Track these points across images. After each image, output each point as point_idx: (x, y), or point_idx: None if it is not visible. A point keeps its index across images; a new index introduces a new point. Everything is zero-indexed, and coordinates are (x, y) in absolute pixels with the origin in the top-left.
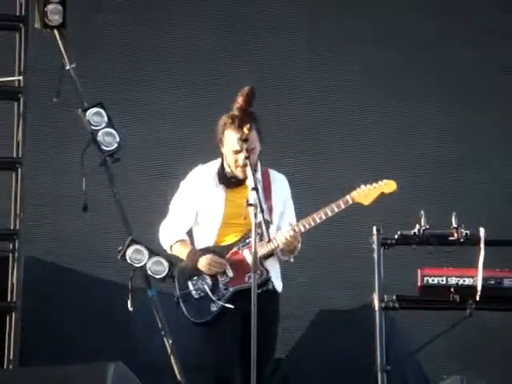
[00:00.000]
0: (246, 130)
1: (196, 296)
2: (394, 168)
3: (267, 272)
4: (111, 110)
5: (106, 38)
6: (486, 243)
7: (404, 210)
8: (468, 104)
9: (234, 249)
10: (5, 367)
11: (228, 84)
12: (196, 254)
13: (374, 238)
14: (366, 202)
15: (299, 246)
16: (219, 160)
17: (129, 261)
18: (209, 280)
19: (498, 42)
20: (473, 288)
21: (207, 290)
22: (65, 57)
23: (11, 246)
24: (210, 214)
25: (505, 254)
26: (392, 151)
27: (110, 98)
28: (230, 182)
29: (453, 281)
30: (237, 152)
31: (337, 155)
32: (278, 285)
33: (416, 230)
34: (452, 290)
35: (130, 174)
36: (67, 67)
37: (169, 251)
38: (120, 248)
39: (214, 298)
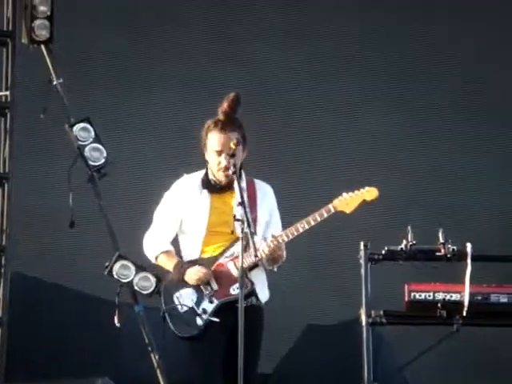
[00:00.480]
0: (233, 145)
1: (181, 310)
2: (383, 179)
3: (252, 284)
4: (98, 125)
5: (91, 52)
6: (473, 258)
7: (392, 224)
8: (464, 113)
9: (219, 261)
10: None
11: (215, 96)
12: (183, 266)
13: (362, 253)
14: (348, 210)
15: (284, 255)
16: (204, 170)
17: (116, 276)
18: (194, 293)
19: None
20: (460, 303)
21: (192, 303)
22: (52, 72)
23: None
24: (195, 221)
25: (492, 269)
26: (382, 162)
27: (97, 112)
28: (213, 188)
29: (440, 296)
30: (219, 153)
31: (324, 164)
32: (263, 296)
33: (403, 246)
34: (439, 305)
35: (116, 189)
36: (54, 82)
37: (153, 261)
38: (107, 263)
39: (199, 312)
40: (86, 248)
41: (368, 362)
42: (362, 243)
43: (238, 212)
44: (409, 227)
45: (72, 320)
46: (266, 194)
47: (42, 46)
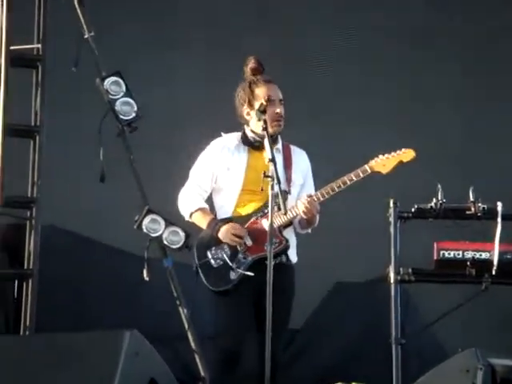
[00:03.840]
0: (264, 101)
1: (215, 265)
2: (412, 141)
3: (286, 241)
4: (128, 79)
5: (122, 6)
6: (503, 217)
7: (422, 184)
8: (492, 71)
9: (253, 218)
10: (22, 333)
11: (246, 50)
12: (217, 223)
13: (391, 211)
14: (385, 170)
15: (317, 216)
16: (239, 133)
17: (145, 230)
18: (227, 249)
19: None
20: (489, 262)
21: (226, 258)
22: (83, 25)
23: (28, 214)
24: (231, 179)
25: None
26: (413, 120)
27: (129, 65)
28: (253, 145)
29: (469, 255)
30: (273, 102)
31: (354, 127)
32: (293, 256)
33: (433, 204)
34: (468, 263)
35: (146, 144)
36: (85, 36)
37: (187, 218)
38: (136, 218)
39: (233, 266)
40: (116, 202)
41: (396, 319)
42: (391, 201)
43: (270, 169)
44: (439, 185)
45: (101, 273)
46: (301, 158)
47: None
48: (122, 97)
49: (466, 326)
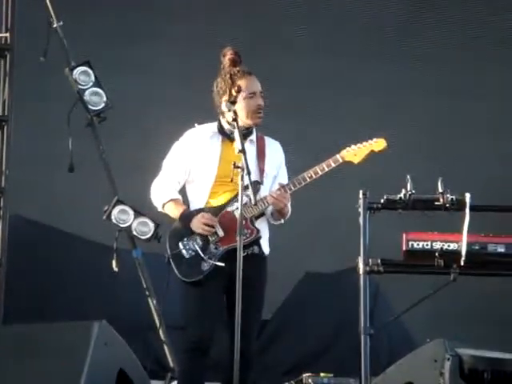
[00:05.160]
0: (234, 92)
1: (187, 256)
2: (383, 128)
3: (258, 231)
4: (98, 69)
5: None
6: (471, 208)
7: (392, 174)
8: (466, 66)
9: (225, 209)
10: None
11: (219, 41)
12: (189, 214)
13: (360, 202)
14: (356, 160)
15: (289, 207)
16: (215, 123)
17: (114, 221)
18: (199, 240)
19: None
20: (457, 253)
21: (198, 249)
22: (52, 14)
23: None
24: (204, 170)
25: (490, 219)
26: (383, 111)
27: (98, 56)
28: (229, 136)
29: (437, 245)
30: (254, 94)
31: (326, 115)
32: (266, 248)
33: (402, 195)
34: (437, 254)
35: (116, 134)
36: (54, 25)
37: (160, 209)
38: (106, 208)
39: (204, 257)
40: (85, 192)
41: (365, 310)
42: (360, 192)
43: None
44: (408, 176)
45: (70, 264)
46: (275, 149)
47: None
48: (91, 87)
49: (435, 316)
